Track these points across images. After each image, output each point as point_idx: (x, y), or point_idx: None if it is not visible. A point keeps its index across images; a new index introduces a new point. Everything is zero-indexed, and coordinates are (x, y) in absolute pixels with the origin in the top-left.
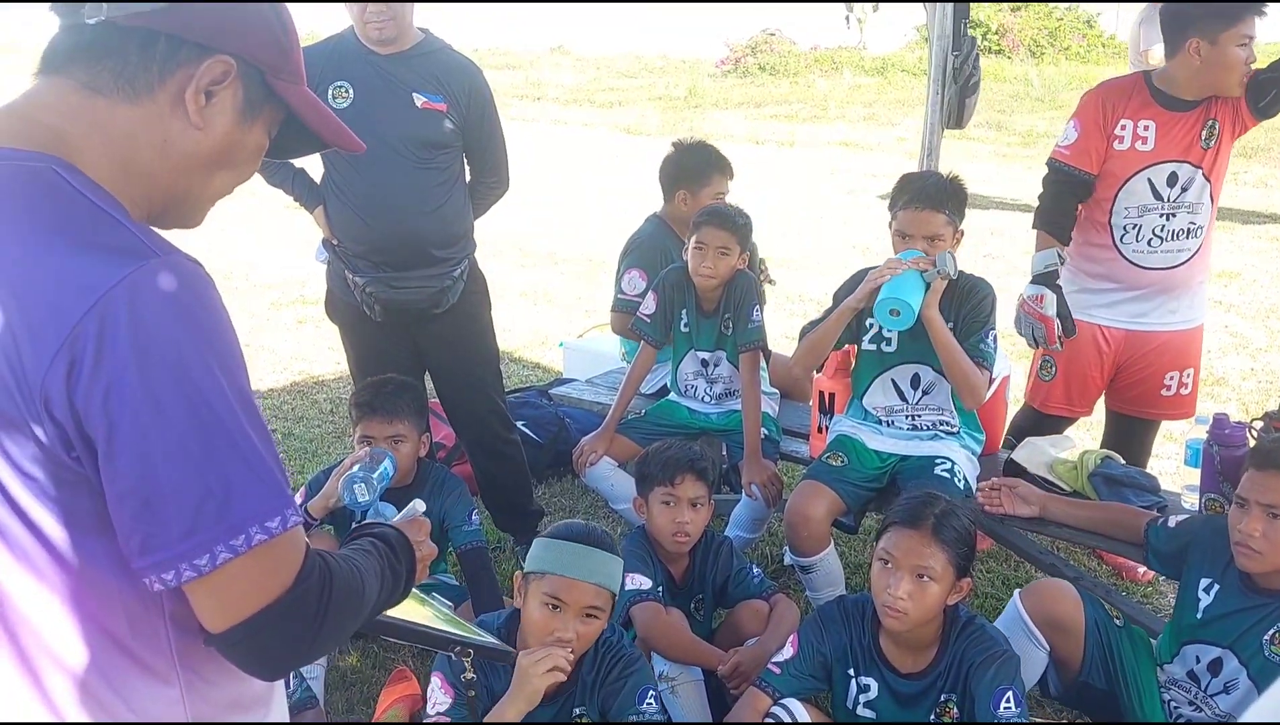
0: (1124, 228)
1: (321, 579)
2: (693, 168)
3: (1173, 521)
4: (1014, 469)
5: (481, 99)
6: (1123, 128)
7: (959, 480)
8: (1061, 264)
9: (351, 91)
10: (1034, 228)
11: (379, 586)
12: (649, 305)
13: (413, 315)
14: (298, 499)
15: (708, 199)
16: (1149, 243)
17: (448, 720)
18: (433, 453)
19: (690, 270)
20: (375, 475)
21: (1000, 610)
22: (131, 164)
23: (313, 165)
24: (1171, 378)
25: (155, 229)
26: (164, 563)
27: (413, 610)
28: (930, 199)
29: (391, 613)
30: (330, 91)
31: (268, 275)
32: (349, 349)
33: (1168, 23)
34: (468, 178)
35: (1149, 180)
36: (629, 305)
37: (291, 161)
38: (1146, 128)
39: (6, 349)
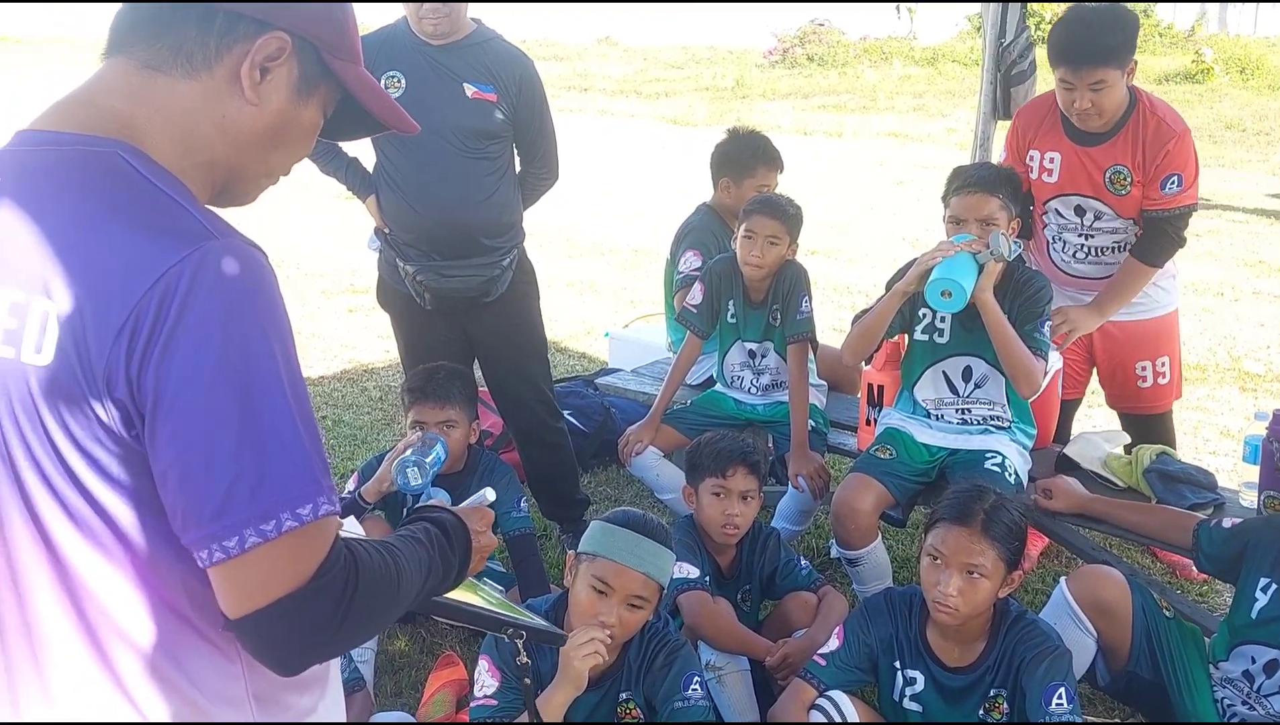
0: (1051, 239)
1: (345, 573)
2: (738, 157)
3: (1227, 522)
4: (1066, 464)
5: (532, 89)
6: (1031, 158)
7: (1010, 474)
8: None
9: (404, 81)
10: None
11: (423, 577)
12: (695, 295)
13: (462, 304)
14: (350, 484)
15: (750, 190)
16: (1074, 256)
17: (494, 703)
18: (480, 440)
19: (739, 259)
20: (428, 460)
21: None
22: (192, 141)
23: (365, 154)
24: (1144, 368)
25: (216, 211)
26: (198, 541)
27: (464, 595)
28: (983, 183)
29: (444, 599)
30: (383, 81)
31: (318, 264)
32: (399, 337)
33: None
34: (518, 168)
35: (1057, 209)
36: (691, 280)
37: (344, 150)
38: (1051, 160)
39: (75, 331)
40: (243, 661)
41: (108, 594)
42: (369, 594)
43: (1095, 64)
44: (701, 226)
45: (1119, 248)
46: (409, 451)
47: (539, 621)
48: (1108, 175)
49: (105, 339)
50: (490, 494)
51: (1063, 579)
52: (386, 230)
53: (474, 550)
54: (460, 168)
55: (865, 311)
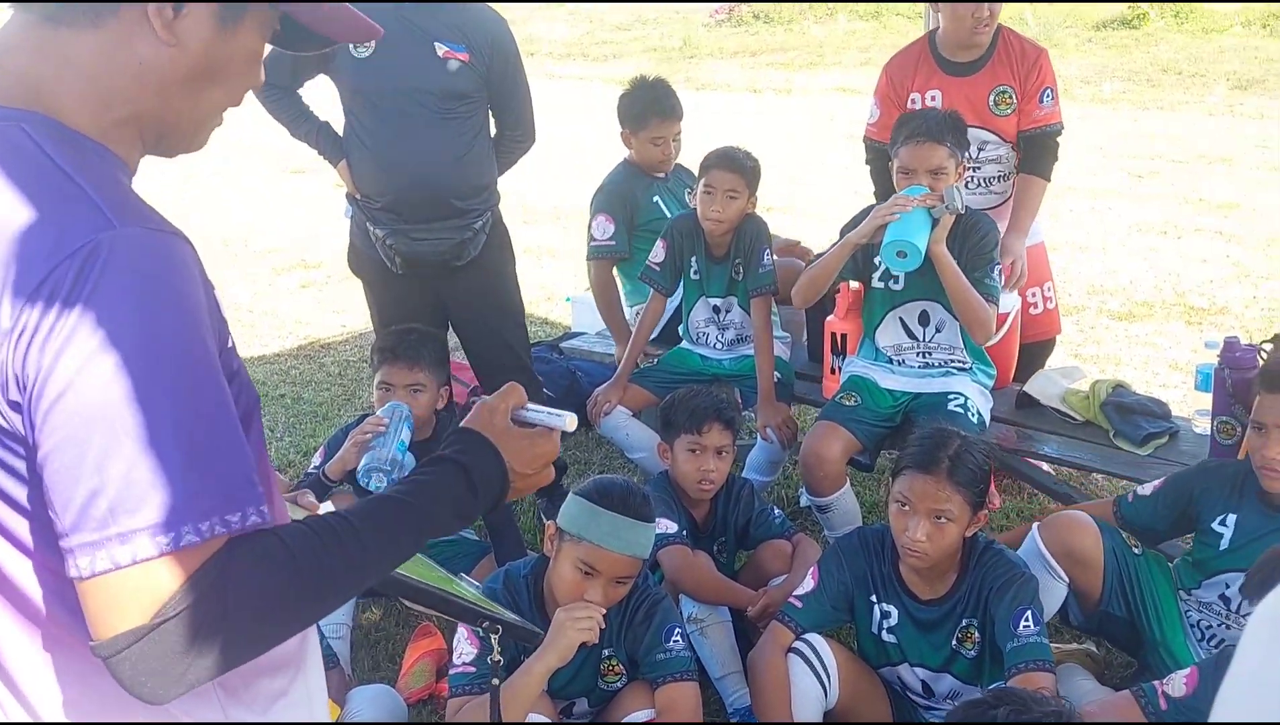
0: None
1: (210, 603)
2: (631, 110)
3: (1146, 488)
4: (1026, 401)
5: (505, 50)
6: (913, 101)
7: (972, 415)
8: None
9: (373, 40)
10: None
11: (399, 543)
12: (658, 253)
13: (433, 267)
14: (316, 460)
15: (647, 141)
16: (964, 187)
17: (473, 670)
18: (450, 406)
19: (699, 215)
20: (391, 465)
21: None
22: (110, 95)
23: (337, 118)
24: (1034, 295)
25: (134, 193)
26: (63, 552)
27: (443, 587)
28: (931, 132)
29: (423, 583)
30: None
31: (267, 241)
32: (371, 303)
33: None
34: (493, 131)
35: None
36: (601, 251)
37: (315, 114)
38: (934, 98)
39: None
40: None
41: (41, 597)
42: (250, 612)
43: None
44: (613, 186)
45: (1002, 177)
46: (374, 444)
47: (514, 617)
48: (992, 97)
49: (2, 342)
50: (570, 423)
51: (1035, 526)
52: (358, 196)
53: (513, 490)
54: (430, 128)
55: (817, 257)
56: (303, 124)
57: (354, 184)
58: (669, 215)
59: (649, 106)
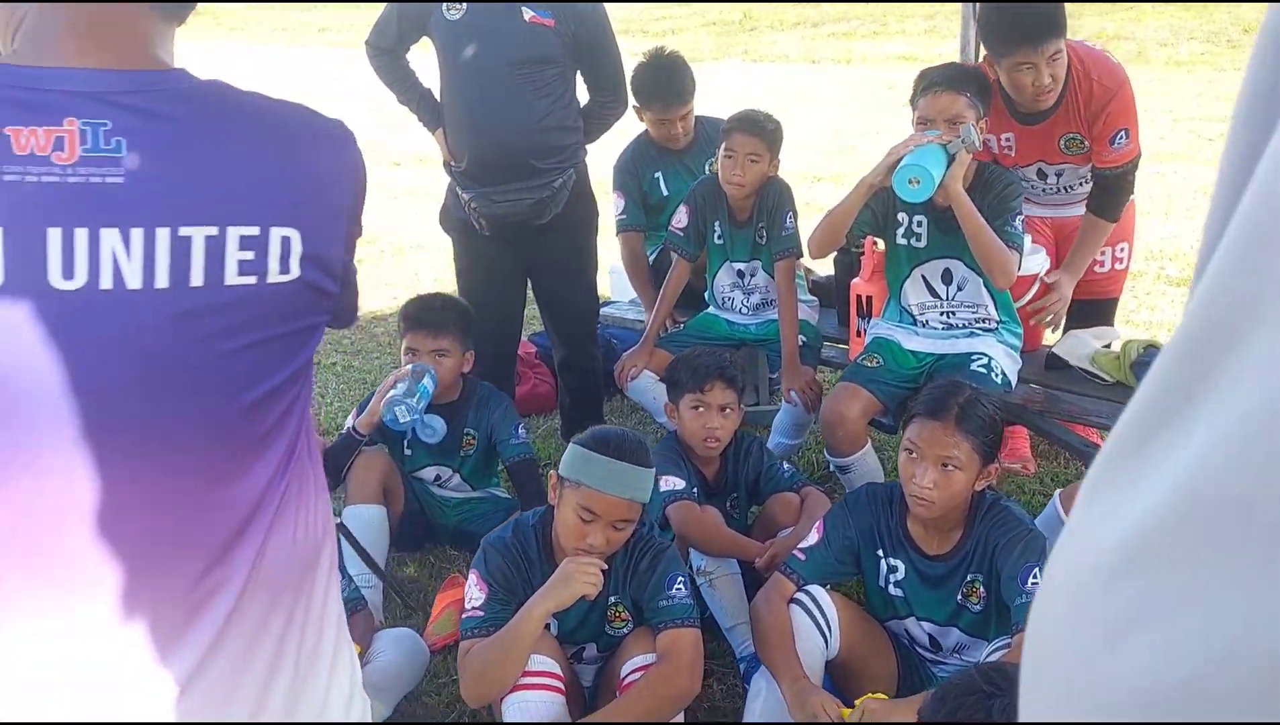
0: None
1: None
2: (639, 88)
3: None
4: (1055, 362)
5: (593, 16)
6: (987, 141)
7: (996, 375)
8: None
9: (464, 4)
10: None
11: None
12: (681, 218)
13: (514, 228)
14: (349, 421)
15: (652, 123)
16: (1043, 192)
17: (481, 614)
18: (475, 369)
19: (721, 179)
20: (415, 399)
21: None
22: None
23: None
24: (1104, 253)
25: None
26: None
27: None
28: (951, 81)
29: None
30: (444, 5)
31: None
32: (458, 261)
33: None
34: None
35: (1021, 175)
36: (620, 225)
37: (420, 82)
38: (1008, 140)
39: (316, 244)
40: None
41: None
42: None
43: (1055, 35)
44: (623, 162)
45: (1085, 181)
46: (397, 387)
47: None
48: (1062, 142)
49: (337, 239)
50: None
51: (1058, 492)
52: (451, 162)
53: None
54: (514, 91)
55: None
56: (406, 90)
57: (449, 152)
58: (665, 193)
59: (652, 92)
